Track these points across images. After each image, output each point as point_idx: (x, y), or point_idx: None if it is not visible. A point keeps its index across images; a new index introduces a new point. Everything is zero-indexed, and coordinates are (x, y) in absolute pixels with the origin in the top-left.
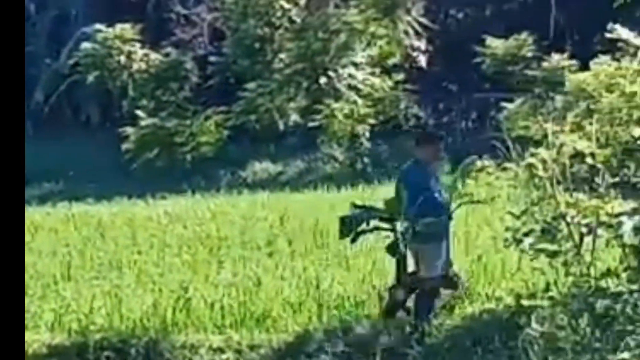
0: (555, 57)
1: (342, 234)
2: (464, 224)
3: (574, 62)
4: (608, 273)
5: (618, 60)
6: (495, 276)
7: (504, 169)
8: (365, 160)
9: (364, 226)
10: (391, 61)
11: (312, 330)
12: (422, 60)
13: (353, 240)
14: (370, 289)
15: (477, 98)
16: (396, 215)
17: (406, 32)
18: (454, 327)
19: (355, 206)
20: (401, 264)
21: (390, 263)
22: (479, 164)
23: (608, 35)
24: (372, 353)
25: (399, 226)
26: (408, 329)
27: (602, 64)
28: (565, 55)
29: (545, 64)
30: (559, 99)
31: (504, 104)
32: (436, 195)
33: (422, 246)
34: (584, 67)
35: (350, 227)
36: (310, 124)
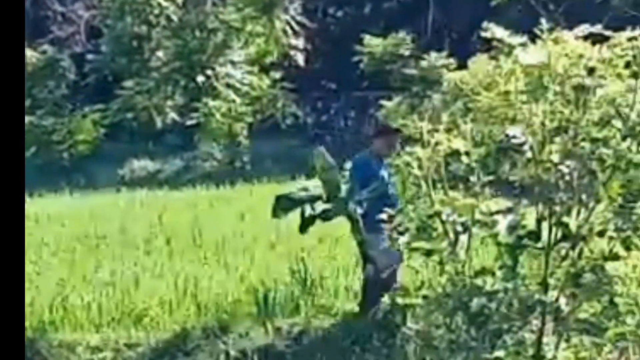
0: (433, 55)
1: (275, 214)
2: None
3: (451, 60)
4: (483, 271)
5: (496, 59)
6: None
7: None
8: (244, 158)
9: (311, 212)
10: (269, 60)
11: (190, 328)
12: (300, 59)
13: (303, 230)
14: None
15: (355, 96)
16: (332, 197)
17: (284, 31)
18: (331, 325)
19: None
20: (363, 246)
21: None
22: None
23: (483, 34)
24: (250, 352)
25: (356, 208)
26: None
27: (480, 63)
28: (443, 53)
29: (423, 63)
30: (436, 98)
31: (382, 102)
32: (389, 187)
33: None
34: (463, 65)
35: (283, 207)
36: (189, 122)
